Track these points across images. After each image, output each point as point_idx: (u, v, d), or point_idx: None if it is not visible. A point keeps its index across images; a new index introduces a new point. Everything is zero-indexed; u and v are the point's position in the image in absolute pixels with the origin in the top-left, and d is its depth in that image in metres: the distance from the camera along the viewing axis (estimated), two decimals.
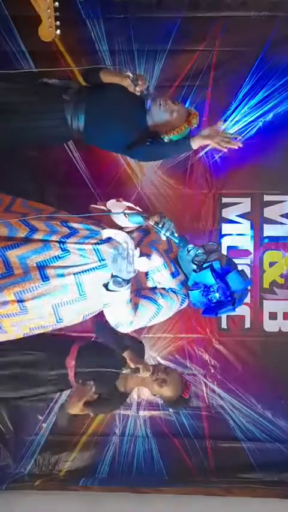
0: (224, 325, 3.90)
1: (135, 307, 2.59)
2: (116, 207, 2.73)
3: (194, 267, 2.63)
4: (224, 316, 3.90)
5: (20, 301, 2.53)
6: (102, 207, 2.76)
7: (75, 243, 2.59)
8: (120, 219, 2.73)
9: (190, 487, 3.61)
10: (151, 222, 2.63)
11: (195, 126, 3.08)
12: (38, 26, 2.61)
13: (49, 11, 2.54)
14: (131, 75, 2.91)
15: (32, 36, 2.82)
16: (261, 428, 3.78)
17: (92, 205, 2.81)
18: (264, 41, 3.62)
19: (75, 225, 2.66)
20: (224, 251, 3.79)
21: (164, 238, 2.63)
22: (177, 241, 2.63)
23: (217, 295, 2.59)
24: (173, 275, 2.69)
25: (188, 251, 2.65)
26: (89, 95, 2.99)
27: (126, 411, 3.76)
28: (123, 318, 2.60)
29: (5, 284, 2.52)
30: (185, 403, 3.20)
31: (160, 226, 2.61)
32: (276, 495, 3.55)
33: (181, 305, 2.73)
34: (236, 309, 2.65)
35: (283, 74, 3.70)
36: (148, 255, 2.64)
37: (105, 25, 3.55)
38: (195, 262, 2.62)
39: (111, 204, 2.74)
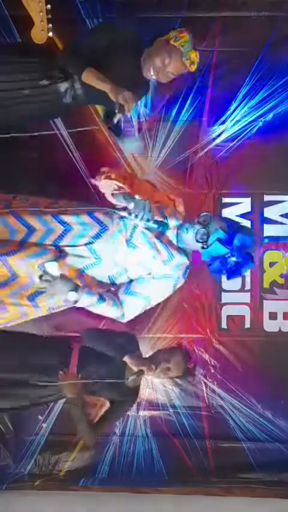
0: (224, 325, 3.91)
1: (119, 303, 2.75)
2: (106, 187, 2.76)
3: (200, 245, 2.67)
4: (224, 316, 3.90)
5: (35, 305, 2.74)
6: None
7: (69, 245, 2.68)
8: (110, 197, 2.77)
9: (190, 487, 3.61)
10: (123, 213, 2.67)
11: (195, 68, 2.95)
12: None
13: (41, 14, 2.58)
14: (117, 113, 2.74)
15: None
16: (261, 428, 3.78)
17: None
18: (264, 41, 3.62)
19: (68, 219, 2.72)
20: None
21: (142, 226, 2.68)
22: (156, 226, 2.66)
23: (234, 258, 2.65)
24: (165, 262, 2.73)
25: (186, 231, 2.71)
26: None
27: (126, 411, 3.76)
28: (109, 314, 2.77)
29: (15, 290, 2.70)
30: (191, 373, 3.26)
31: (134, 216, 2.63)
32: (276, 495, 3.55)
33: (175, 286, 2.80)
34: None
35: (283, 74, 3.70)
36: (135, 247, 2.71)
37: None
38: (199, 240, 2.66)
39: (103, 184, 2.77)
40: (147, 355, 3.30)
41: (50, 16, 2.60)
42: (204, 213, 2.71)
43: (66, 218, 2.73)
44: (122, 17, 3.55)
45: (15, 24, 3.46)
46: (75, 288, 2.60)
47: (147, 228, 2.70)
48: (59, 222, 2.72)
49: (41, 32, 2.63)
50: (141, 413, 3.80)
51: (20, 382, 3.14)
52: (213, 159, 3.85)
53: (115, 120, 2.75)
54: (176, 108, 3.74)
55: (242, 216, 3.92)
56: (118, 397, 3.23)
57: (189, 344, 3.83)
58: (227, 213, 3.91)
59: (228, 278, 2.77)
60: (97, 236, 2.71)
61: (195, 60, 2.87)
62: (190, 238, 2.71)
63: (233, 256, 2.65)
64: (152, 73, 2.87)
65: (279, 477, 3.71)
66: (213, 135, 3.82)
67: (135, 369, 2.98)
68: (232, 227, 2.70)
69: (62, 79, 2.90)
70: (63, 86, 2.92)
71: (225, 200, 3.93)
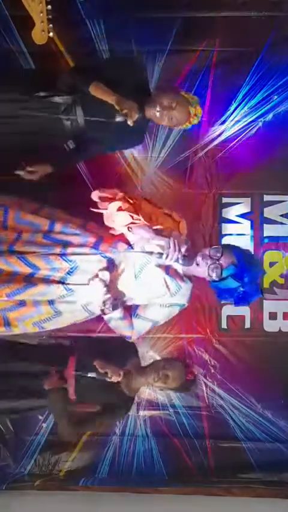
0: (224, 325, 3.91)
1: (131, 325, 2.82)
2: (119, 220, 2.73)
3: (213, 279, 2.68)
4: (224, 316, 3.90)
5: (41, 328, 2.83)
6: (103, 210, 2.78)
7: (77, 284, 2.71)
8: (122, 229, 2.75)
9: (190, 487, 3.61)
10: (154, 250, 2.68)
11: (196, 123, 3.05)
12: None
13: (41, 14, 2.58)
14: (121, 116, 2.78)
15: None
16: (261, 428, 3.78)
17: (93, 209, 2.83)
18: (264, 41, 3.61)
19: (73, 258, 2.70)
20: None
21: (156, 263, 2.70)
22: (181, 262, 2.68)
23: (242, 289, 2.69)
24: (172, 294, 2.76)
25: (197, 264, 2.70)
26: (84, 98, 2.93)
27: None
28: (121, 332, 2.85)
29: (23, 317, 2.75)
30: (192, 384, 3.25)
31: (165, 255, 2.66)
32: (276, 495, 3.55)
33: (181, 309, 2.87)
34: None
35: (283, 74, 3.70)
36: (144, 281, 2.73)
37: (105, 25, 3.55)
38: (212, 276, 2.65)
39: (116, 217, 2.75)
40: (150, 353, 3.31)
41: (50, 16, 2.60)
42: (215, 247, 2.69)
43: (72, 256, 2.71)
44: (122, 17, 3.55)
45: (15, 24, 3.45)
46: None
47: (158, 265, 2.71)
48: (64, 260, 2.71)
49: (42, 33, 2.63)
50: (141, 413, 3.80)
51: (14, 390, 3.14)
52: (213, 159, 3.85)
53: (117, 119, 2.77)
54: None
55: (242, 216, 3.93)
56: (110, 404, 3.21)
57: (189, 344, 3.84)
58: (227, 213, 3.92)
59: (236, 305, 2.83)
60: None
61: (199, 115, 2.97)
62: (201, 271, 2.70)
63: (243, 287, 2.68)
64: (157, 109, 2.88)
65: (279, 477, 3.71)
66: (213, 135, 3.82)
67: (101, 371, 2.96)
68: (241, 260, 2.68)
69: (62, 93, 2.90)
70: (62, 99, 2.90)
71: (225, 200, 3.93)
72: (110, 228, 2.82)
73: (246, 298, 2.75)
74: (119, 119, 2.76)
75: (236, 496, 3.57)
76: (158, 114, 2.90)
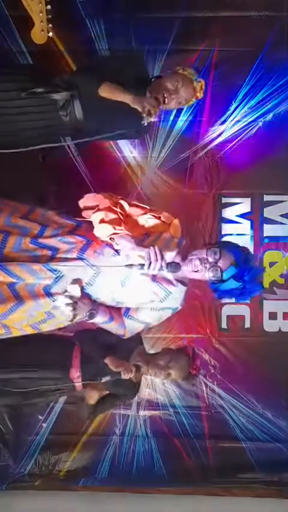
0: (224, 325, 3.91)
1: (123, 324, 2.75)
2: (101, 231, 2.66)
3: (213, 281, 2.60)
4: (224, 316, 3.91)
5: (38, 329, 2.78)
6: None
7: (61, 293, 2.64)
8: (106, 239, 2.68)
9: (190, 487, 3.61)
10: (134, 262, 2.58)
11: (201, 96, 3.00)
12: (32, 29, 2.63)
13: (41, 14, 2.59)
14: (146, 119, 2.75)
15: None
16: (261, 428, 3.79)
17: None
18: (264, 41, 3.62)
19: (57, 267, 2.63)
20: None
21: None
22: (167, 270, 2.57)
23: (243, 287, 2.62)
24: (162, 300, 2.69)
25: (194, 266, 2.60)
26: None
27: (126, 411, 3.77)
28: (114, 332, 2.78)
29: (20, 322, 2.70)
30: (195, 377, 3.23)
31: (146, 266, 2.55)
32: (276, 495, 3.56)
33: (174, 312, 2.79)
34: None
35: (283, 74, 3.70)
36: (130, 287, 2.65)
37: (105, 25, 3.55)
38: (213, 279, 2.57)
39: (98, 227, 2.68)
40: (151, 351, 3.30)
41: (50, 16, 2.61)
42: (212, 249, 2.56)
43: (56, 265, 2.62)
44: (122, 17, 3.56)
45: (15, 24, 3.46)
46: (94, 307, 2.66)
47: (144, 273, 2.62)
48: (48, 269, 2.63)
49: (41, 32, 2.64)
50: (141, 413, 3.80)
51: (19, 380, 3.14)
52: (213, 159, 3.86)
53: (145, 123, 2.75)
54: (176, 108, 3.74)
55: (242, 216, 3.93)
56: (121, 391, 3.23)
57: (189, 344, 3.84)
58: (226, 213, 3.92)
59: (236, 301, 2.80)
60: (91, 282, 2.64)
61: (203, 87, 2.93)
62: (200, 276, 2.59)
63: (243, 286, 2.61)
64: (164, 95, 2.84)
65: (279, 477, 3.72)
66: (213, 135, 3.82)
67: (115, 370, 2.94)
68: (240, 259, 2.60)
69: (59, 89, 2.86)
70: (60, 96, 2.86)
71: (225, 200, 3.93)
72: None
73: (247, 295, 2.69)
74: (145, 121, 2.73)
75: (236, 496, 3.58)
76: (166, 100, 2.85)
